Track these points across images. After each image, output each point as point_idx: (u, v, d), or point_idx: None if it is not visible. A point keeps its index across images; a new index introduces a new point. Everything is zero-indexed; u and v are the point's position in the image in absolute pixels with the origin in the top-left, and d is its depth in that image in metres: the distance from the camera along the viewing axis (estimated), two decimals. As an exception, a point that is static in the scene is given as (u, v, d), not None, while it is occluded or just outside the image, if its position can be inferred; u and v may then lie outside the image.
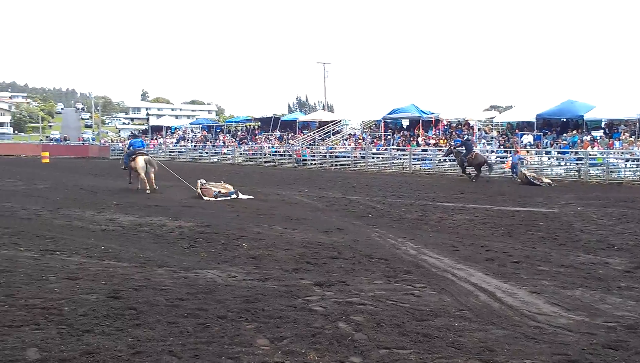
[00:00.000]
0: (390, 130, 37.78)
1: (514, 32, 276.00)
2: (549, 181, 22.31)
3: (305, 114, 63.46)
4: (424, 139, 33.91)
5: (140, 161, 17.60)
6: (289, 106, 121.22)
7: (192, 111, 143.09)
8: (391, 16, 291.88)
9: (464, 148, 24.50)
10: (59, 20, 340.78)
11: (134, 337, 4.42)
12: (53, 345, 4.21)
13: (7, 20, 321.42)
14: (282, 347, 4.27)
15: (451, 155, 26.20)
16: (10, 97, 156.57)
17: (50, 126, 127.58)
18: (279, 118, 49.21)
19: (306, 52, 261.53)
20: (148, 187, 17.47)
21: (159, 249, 8.35)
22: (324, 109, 57.23)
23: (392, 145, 34.83)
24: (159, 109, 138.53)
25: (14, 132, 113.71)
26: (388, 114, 37.46)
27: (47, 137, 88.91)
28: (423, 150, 32.54)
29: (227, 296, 5.68)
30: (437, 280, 6.67)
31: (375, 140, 37.50)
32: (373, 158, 34.71)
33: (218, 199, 15.39)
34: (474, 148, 25.16)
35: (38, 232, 9.50)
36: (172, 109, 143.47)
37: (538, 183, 21.56)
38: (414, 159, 31.39)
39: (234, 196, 15.93)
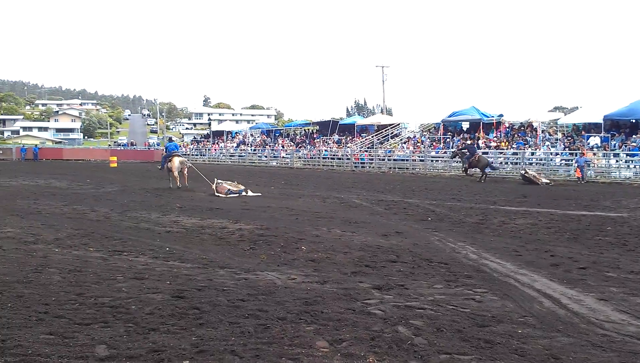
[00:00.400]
0: (449, 133, 37.23)
1: (581, 30, 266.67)
2: (547, 181, 23.74)
3: (364, 117, 63.33)
4: (485, 141, 33.23)
5: (175, 162, 19.71)
6: (347, 110, 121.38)
7: (252, 115, 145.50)
8: (451, 17, 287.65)
9: (467, 151, 26.73)
10: (127, 31, 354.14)
11: (198, 336, 4.54)
12: (121, 342, 4.37)
13: (79, 32, 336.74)
14: (342, 350, 4.28)
15: (457, 157, 28.54)
16: (80, 105, 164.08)
17: (118, 131, 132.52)
18: (338, 122, 49.33)
19: (365, 56, 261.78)
20: (179, 184, 19.61)
21: (221, 251, 8.54)
22: (382, 112, 56.97)
23: (452, 148, 34.30)
24: (220, 114, 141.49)
25: (84, 137, 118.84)
26: (448, 116, 36.96)
27: (114, 142, 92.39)
28: (484, 153, 31.89)
29: (287, 298, 5.75)
30: (499, 285, 6.53)
31: (434, 143, 37.04)
32: (432, 161, 34.28)
33: (228, 196, 17.19)
34: (477, 151, 27.64)
35: (107, 233, 9.89)
36: (233, 114, 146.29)
37: (537, 182, 22.94)
38: (474, 162, 30.77)
39: (243, 193, 17.73)
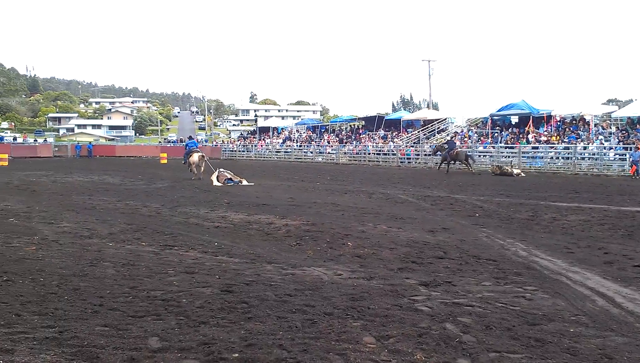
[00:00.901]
0: (498, 127, 36.51)
1: (634, 21, 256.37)
2: (518, 171, 25.95)
3: (410, 112, 62.77)
4: (535, 136, 32.45)
5: (195, 157, 23.42)
6: (393, 105, 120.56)
7: (298, 111, 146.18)
8: (500, 8, 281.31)
9: (447, 146, 29.40)
10: (178, 31, 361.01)
11: (246, 329, 4.61)
12: (173, 334, 4.48)
13: (131, 33, 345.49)
14: (389, 346, 4.28)
15: (438, 152, 30.79)
16: (132, 102, 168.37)
17: (168, 128, 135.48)
18: (383, 117, 49.07)
19: (410, 50, 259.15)
20: (199, 176, 22.85)
21: (268, 246, 8.65)
22: (428, 107, 56.33)
23: (500, 143, 33.65)
24: (266, 111, 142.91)
25: (135, 134, 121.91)
26: (496, 111, 36.25)
27: (165, 139, 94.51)
28: (533, 147, 31.19)
29: (334, 294, 5.78)
30: (550, 282, 6.39)
31: (482, 138, 36.41)
32: (480, 156, 33.71)
33: (226, 184, 20.08)
34: (456, 145, 30.56)
35: (158, 228, 10.15)
36: (279, 110, 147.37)
37: (512, 174, 25.08)
38: (523, 156, 30.16)
39: (238, 183, 20.51)
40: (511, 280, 6.49)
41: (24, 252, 7.80)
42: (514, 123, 36.88)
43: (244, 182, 20.68)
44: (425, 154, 36.50)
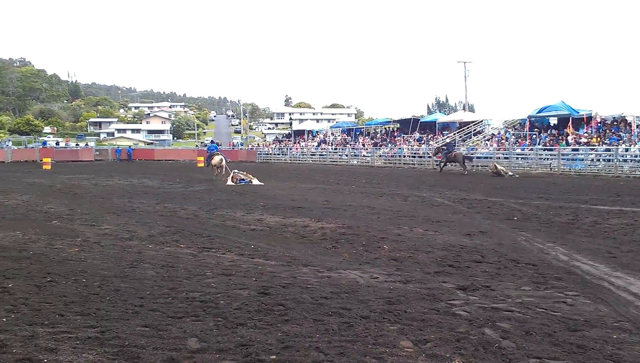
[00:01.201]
0: (536, 129, 35.83)
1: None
2: (511, 173, 28.09)
3: (445, 114, 62.16)
4: (574, 138, 31.73)
5: (216, 159, 25.95)
6: (428, 107, 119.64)
7: (332, 114, 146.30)
8: (538, 8, 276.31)
9: (446, 149, 31.23)
10: (214, 36, 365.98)
11: (283, 332, 4.64)
12: (211, 336, 4.54)
13: (169, 39, 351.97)
14: (426, 350, 4.25)
15: (438, 154, 32.44)
16: (170, 107, 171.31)
17: (205, 132, 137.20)
18: (418, 119, 48.68)
19: (446, 52, 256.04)
20: (221, 177, 24.67)
21: (304, 249, 8.68)
22: (464, 109, 55.62)
23: (539, 145, 33.02)
24: (301, 114, 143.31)
25: (173, 138, 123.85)
26: (534, 112, 35.59)
27: (201, 143, 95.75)
28: (573, 149, 30.47)
29: (370, 297, 5.76)
30: (591, 288, 6.24)
31: (519, 140, 35.79)
32: (517, 158, 33.13)
33: (238, 184, 21.89)
34: (454, 148, 32.55)
35: (196, 231, 10.29)
36: (314, 113, 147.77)
37: (503, 174, 27.06)
38: (563, 159, 29.54)
39: (249, 182, 22.31)
40: (551, 285, 6.37)
41: (67, 254, 8.02)
42: (552, 125, 36.16)
43: (255, 181, 22.52)
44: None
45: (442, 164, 31.19)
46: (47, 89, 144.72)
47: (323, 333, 4.62)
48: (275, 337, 4.52)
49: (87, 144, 69.59)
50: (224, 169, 25.22)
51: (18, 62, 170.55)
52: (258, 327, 4.79)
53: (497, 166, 28.10)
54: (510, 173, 27.66)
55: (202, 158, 43.15)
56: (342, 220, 11.58)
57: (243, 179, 22.44)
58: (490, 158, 34.20)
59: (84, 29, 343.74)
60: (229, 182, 22.17)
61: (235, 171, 23.33)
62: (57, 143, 69.52)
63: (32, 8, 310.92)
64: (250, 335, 4.54)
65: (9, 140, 69.52)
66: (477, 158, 35.25)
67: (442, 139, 39.56)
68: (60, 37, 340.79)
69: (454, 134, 41.39)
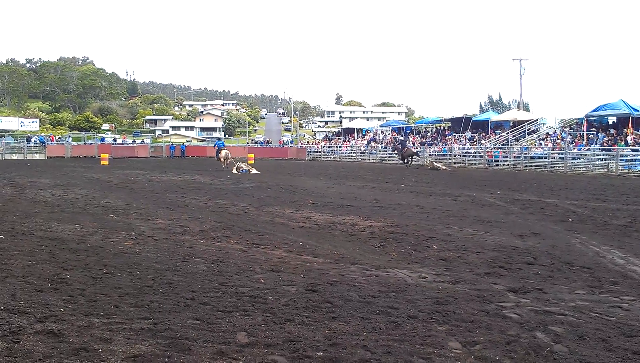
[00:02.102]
0: (593, 128, 34.67)
1: None
2: (444, 167, 33.75)
3: (498, 113, 60.83)
4: (634, 138, 30.52)
5: (222, 153, 32.29)
6: (481, 106, 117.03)
7: (383, 113, 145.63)
8: (595, 3, 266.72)
9: (400, 146, 37.47)
10: (265, 35, 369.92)
11: (330, 329, 4.67)
12: (259, 330, 4.60)
13: (222, 38, 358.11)
14: (475, 352, 4.19)
15: (396, 151, 38.79)
16: (222, 105, 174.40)
17: (255, 130, 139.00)
18: (470, 118, 47.84)
19: (500, 49, 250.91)
20: (229, 168, 30.04)
21: (352, 247, 8.68)
22: (518, 107, 54.31)
23: (596, 145, 31.94)
24: (351, 112, 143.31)
25: (225, 136, 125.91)
26: (592, 111, 34.44)
27: (252, 140, 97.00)
28: (633, 150, 29.34)
29: (418, 297, 5.72)
30: (650, 293, 6.00)
31: (576, 140, 34.71)
32: (573, 158, 32.16)
33: (241, 173, 27.18)
34: (407, 144, 39.13)
35: (245, 227, 10.45)
36: (364, 112, 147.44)
37: (439, 168, 32.28)
38: (621, 159, 28.49)
39: (247, 171, 27.95)
40: (607, 289, 6.16)
41: (123, 247, 8.28)
42: (611, 124, 34.92)
43: (253, 171, 28.07)
44: (515, 157, 35.37)
45: (404, 160, 36.12)
46: (106, 87, 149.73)
47: (370, 332, 4.61)
48: (322, 333, 4.55)
49: (143, 141, 71.74)
50: (229, 161, 31.33)
51: (80, 61, 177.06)
52: (305, 323, 4.82)
53: (434, 163, 34.21)
54: (444, 167, 33.33)
55: (252, 155, 43.97)
56: (391, 219, 11.52)
57: (244, 169, 28.34)
58: (545, 157, 33.37)
59: (144, 29, 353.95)
60: (234, 171, 28.36)
61: (240, 163, 29.63)
62: (115, 140, 71.86)
63: (97, 9, 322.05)
64: (297, 331, 4.58)
65: (69, 136, 72.20)
66: (532, 157, 34.48)
67: (396, 138, 45.59)
68: (122, 37, 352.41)
69: (507, 133, 40.51)
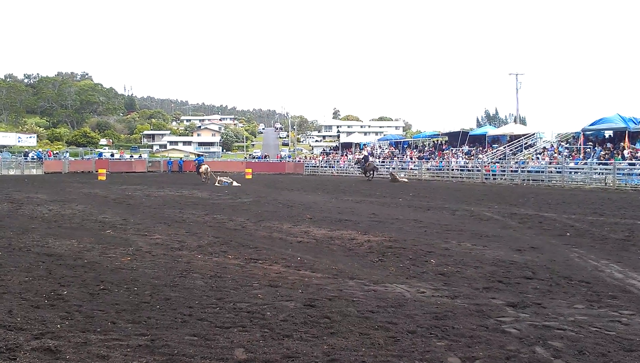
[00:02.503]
0: (590, 143, 34.80)
1: None
2: (405, 179, 38.17)
3: (495, 127, 61.07)
4: (631, 151, 30.64)
5: (203, 168, 34.67)
6: (478, 120, 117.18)
7: (380, 127, 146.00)
8: (589, 18, 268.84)
9: (363, 160, 41.01)
10: (262, 50, 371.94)
11: (329, 344, 4.64)
12: (257, 346, 4.58)
13: (220, 53, 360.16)
14: (474, 367, 4.16)
15: (358, 164, 42.44)
16: (220, 120, 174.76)
17: (253, 144, 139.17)
18: (467, 132, 47.99)
19: (496, 64, 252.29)
20: (205, 180, 33.45)
21: (350, 262, 8.66)
22: (515, 121, 54.58)
23: (593, 159, 32.05)
24: (348, 127, 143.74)
25: (222, 150, 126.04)
26: (588, 125, 34.61)
27: (250, 155, 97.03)
28: (630, 164, 29.45)
29: (417, 312, 5.70)
30: (649, 308, 5.99)
31: (573, 154, 34.82)
32: (570, 172, 32.24)
33: (222, 185, 30.85)
34: (369, 159, 42.23)
35: (243, 242, 10.42)
36: (361, 126, 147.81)
37: (400, 180, 36.45)
38: (618, 173, 28.57)
39: (230, 183, 31.25)
40: (606, 304, 6.15)
41: (120, 262, 8.25)
42: (607, 138, 35.08)
43: (234, 183, 31.42)
44: (513, 171, 35.46)
45: (365, 173, 39.10)
46: (104, 103, 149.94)
47: (369, 347, 4.59)
48: (321, 349, 4.52)
49: (140, 156, 71.68)
50: (208, 174, 34.02)
51: (79, 76, 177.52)
52: (304, 339, 4.80)
53: (394, 174, 38.61)
54: (405, 180, 37.30)
55: (249, 170, 44.05)
56: (389, 233, 11.52)
57: (226, 182, 31.73)
58: (542, 171, 33.46)
59: (142, 44, 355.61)
60: (217, 184, 31.44)
61: (220, 177, 33.32)
62: (112, 155, 71.77)
63: (95, 25, 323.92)
64: (296, 347, 4.56)
65: (67, 151, 72.15)
66: (529, 171, 34.59)
67: (360, 151, 48.19)
68: (120, 53, 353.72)
69: (504, 147, 40.64)
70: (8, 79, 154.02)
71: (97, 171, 41.30)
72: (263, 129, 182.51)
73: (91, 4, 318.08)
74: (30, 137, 69.78)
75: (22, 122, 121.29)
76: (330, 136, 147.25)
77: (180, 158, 64.72)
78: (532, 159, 37.30)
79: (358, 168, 41.61)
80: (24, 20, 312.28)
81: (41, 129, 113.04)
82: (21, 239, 10.35)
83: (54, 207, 16.63)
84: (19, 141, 64.70)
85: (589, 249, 9.92)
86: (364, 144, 62.34)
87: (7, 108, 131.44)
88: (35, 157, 53.55)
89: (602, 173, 30.24)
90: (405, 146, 54.62)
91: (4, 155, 53.92)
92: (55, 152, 68.35)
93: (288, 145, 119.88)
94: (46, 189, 25.16)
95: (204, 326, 5.11)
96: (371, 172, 38.68)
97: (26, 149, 60.78)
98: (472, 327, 5.20)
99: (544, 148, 38.45)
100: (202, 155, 49.76)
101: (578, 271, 7.94)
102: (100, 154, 65.99)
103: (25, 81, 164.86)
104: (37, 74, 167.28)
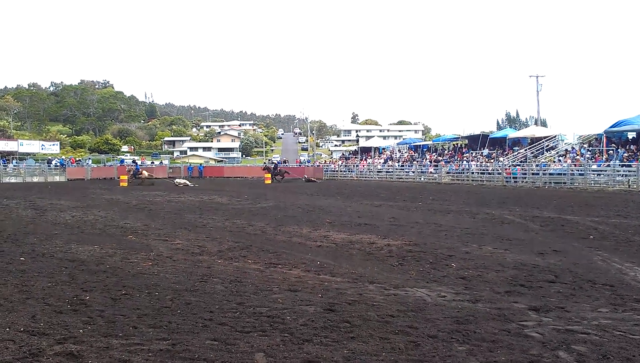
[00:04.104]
0: (613, 144, 34.29)
1: None
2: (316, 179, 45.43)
3: (516, 130, 60.49)
4: (656, 153, 30.14)
5: (144, 173, 40.37)
6: (498, 123, 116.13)
7: (399, 131, 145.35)
8: (611, 18, 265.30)
9: (272, 166, 46.74)
10: (282, 55, 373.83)
11: (349, 349, 4.63)
12: (277, 351, 4.58)
13: (239, 59, 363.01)
14: (496, 372, 4.12)
15: (266, 170, 45.70)
16: (239, 125, 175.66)
17: (272, 150, 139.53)
18: (487, 135, 47.58)
19: (516, 66, 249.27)
20: (145, 184, 37.82)
21: (370, 266, 8.63)
22: (536, 124, 53.98)
23: (616, 161, 31.57)
24: (367, 131, 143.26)
25: (242, 156, 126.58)
26: (611, 127, 34.11)
27: (269, 160, 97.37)
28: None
29: (437, 316, 5.66)
30: (676, 311, 5.87)
31: (595, 156, 34.34)
32: (593, 175, 31.79)
33: (178, 186, 35.53)
34: (279, 165, 48.85)
35: (263, 247, 10.45)
36: (380, 130, 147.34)
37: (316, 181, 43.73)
38: (643, 175, 28.11)
39: (185, 184, 36.10)
40: (630, 307, 6.04)
41: (141, 267, 8.33)
42: (631, 139, 34.54)
43: (190, 184, 36.56)
44: (534, 173, 35.08)
45: (276, 177, 43.98)
46: (126, 110, 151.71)
47: (389, 352, 4.57)
48: (341, 354, 4.51)
49: (161, 162, 72.21)
50: (146, 178, 39.83)
51: (100, 84, 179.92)
52: (324, 343, 4.79)
53: (306, 176, 46.52)
54: (185, 182, 41.01)
55: (269, 175, 44.19)
56: (409, 237, 11.46)
57: (181, 184, 36.23)
58: (564, 174, 33.06)
59: (162, 52, 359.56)
60: (176, 185, 36.18)
61: (177, 179, 40.02)
62: (134, 161, 72.62)
63: (116, 34, 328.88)
64: (316, 352, 4.55)
65: (89, 158, 73.15)
66: (550, 174, 34.20)
67: (270, 160, 53.71)
68: (141, 61, 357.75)
69: (525, 150, 40.23)
70: (32, 88, 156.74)
71: (119, 178, 41.77)
72: (282, 134, 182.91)
73: (112, 14, 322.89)
74: (53, 144, 70.70)
75: (45, 130, 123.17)
76: (349, 140, 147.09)
77: (200, 164, 65.28)
78: (554, 161, 36.87)
79: (268, 172, 45.95)
80: (47, 30, 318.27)
81: (64, 136, 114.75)
82: (45, 245, 10.50)
83: (77, 213, 16.85)
84: (42, 149, 65.63)
85: (613, 252, 9.77)
86: (383, 148, 62.18)
87: (31, 116, 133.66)
88: (58, 164, 54.35)
89: (626, 175, 29.78)
90: (425, 149, 54.34)
91: (28, 162, 54.79)
92: (78, 159, 69.31)
93: (307, 150, 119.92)
94: (69, 196, 25.51)
95: (225, 330, 5.13)
96: (281, 176, 44.67)
97: (49, 157, 61.70)
98: (494, 331, 5.15)
99: (566, 150, 37.99)
100: (136, 162, 55.96)
101: (602, 275, 7.82)
102: (122, 161, 66.73)
103: (51, 88, 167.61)
104: (61, 82, 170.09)
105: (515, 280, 7.49)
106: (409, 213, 17.17)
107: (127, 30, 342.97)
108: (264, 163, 54.58)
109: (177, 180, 38.49)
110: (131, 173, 41.99)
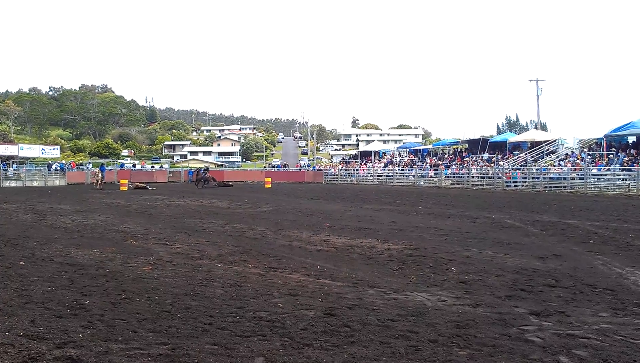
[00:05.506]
0: (613, 148, 34.31)
1: None
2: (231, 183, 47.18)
3: (516, 134, 60.52)
4: (655, 157, 30.14)
5: (107, 176, 41.66)
6: (498, 127, 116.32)
7: (399, 135, 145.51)
8: (610, 22, 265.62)
9: (203, 174, 44.21)
10: (281, 60, 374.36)
11: (349, 354, 4.61)
12: (277, 355, 4.57)
13: (239, 63, 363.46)
14: (497, 377, 4.10)
15: (196, 176, 46.28)
16: (239, 130, 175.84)
17: (272, 154, 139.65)
18: (488, 139, 47.62)
19: (516, 70, 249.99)
20: (100, 187, 38.41)
21: (370, 270, 8.61)
22: (536, 128, 54.02)
23: (616, 165, 31.58)
24: (368, 135, 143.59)
25: (242, 160, 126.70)
26: (611, 131, 34.13)
27: (269, 164, 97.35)
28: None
29: (438, 320, 5.64)
30: (677, 316, 5.85)
31: (595, 160, 34.35)
32: (593, 179, 31.80)
33: (137, 188, 38.69)
34: (207, 173, 45.22)
35: (263, 251, 10.44)
36: (380, 135, 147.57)
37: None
38: (643, 179, 28.10)
39: (146, 187, 39.07)
40: (631, 312, 6.03)
41: (141, 272, 8.31)
42: (631, 143, 34.55)
43: (148, 187, 39.85)
44: (534, 177, 35.05)
45: (197, 183, 43.26)
46: (126, 114, 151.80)
47: (390, 357, 4.55)
48: (341, 358, 4.49)
49: (161, 167, 72.35)
50: (101, 181, 39.56)
51: (100, 89, 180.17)
52: (324, 348, 4.78)
53: (215, 179, 45.84)
54: (231, 183, 46.03)
55: (269, 179, 44.19)
56: (409, 242, 11.45)
57: (140, 186, 39.15)
58: (565, 178, 33.06)
59: (162, 56, 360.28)
60: (136, 188, 38.87)
61: (137, 183, 41.49)
62: (134, 166, 72.64)
63: (116, 39, 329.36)
64: (316, 356, 4.54)
65: (90, 163, 73.16)
66: (551, 178, 34.21)
67: (202, 168, 51.00)
68: (141, 65, 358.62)
69: (525, 154, 40.25)
70: (32, 93, 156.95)
71: (119, 182, 41.82)
72: (282, 138, 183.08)
73: (112, 18, 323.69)
74: (53, 149, 70.85)
75: (45, 135, 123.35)
76: (349, 144, 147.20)
77: (201, 168, 65.28)
78: (554, 165, 36.88)
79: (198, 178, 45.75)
80: (48, 35, 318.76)
81: (64, 141, 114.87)
82: (44, 249, 10.49)
83: (77, 217, 16.85)
84: (42, 153, 65.79)
85: (613, 256, 9.75)
86: (384, 152, 62.22)
87: (31, 120, 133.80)
88: (58, 168, 54.36)
89: (626, 179, 29.78)
90: (425, 153, 54.38)
91: (28, 167, 54.79)
92: (78, 163, 69.32)
93: (307, 154, 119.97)
94: (69, 200, 25.51)
95: (225, 335, 5.11)
96: (204, 182, 43.29)
97: (49, 161, 61.78)
98: (494, 335, 5.13)
99: (566, 154, 38.01)
100: (104, 164, 56.38)
101: (602, 279, 7.81)
102: (122, 165, 66.78)
103: (50, 93, 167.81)
104: (61, 86, 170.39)
105: (515, 285, 7.48)
106: (409, 217, 17.16)
107: (127, 34, 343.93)
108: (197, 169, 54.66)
109: (138, 184, 40.84)
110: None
